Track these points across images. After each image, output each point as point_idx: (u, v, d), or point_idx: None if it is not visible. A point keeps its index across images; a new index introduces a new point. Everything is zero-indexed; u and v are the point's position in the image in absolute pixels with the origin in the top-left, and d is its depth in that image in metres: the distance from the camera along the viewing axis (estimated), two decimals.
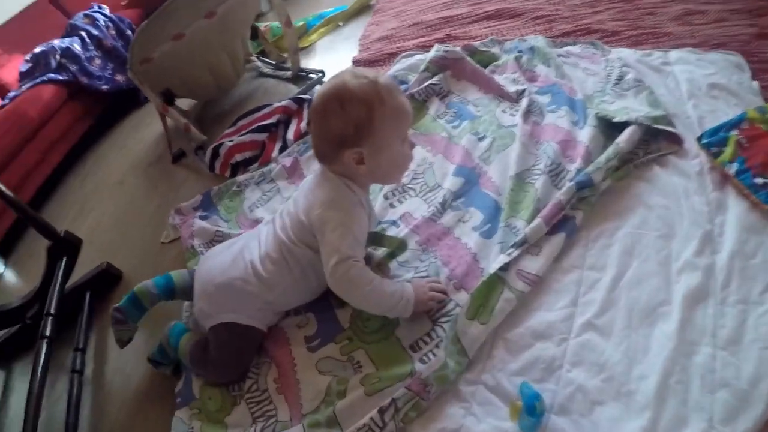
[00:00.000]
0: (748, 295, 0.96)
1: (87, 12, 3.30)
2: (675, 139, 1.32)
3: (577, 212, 1.20)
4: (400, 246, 1.28)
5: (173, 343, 1.26)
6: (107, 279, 1.79)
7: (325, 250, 1.07)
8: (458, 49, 1.85)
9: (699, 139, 1.30)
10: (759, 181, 1.13)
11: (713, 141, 1.27)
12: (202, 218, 1.76)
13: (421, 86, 1.79)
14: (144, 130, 2.97)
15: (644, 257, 1.09)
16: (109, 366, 1.53)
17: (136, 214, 2.18)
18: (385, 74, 1.93)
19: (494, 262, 1.13)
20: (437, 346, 1.05)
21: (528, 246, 1.14)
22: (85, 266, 1.81)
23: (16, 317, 1.71)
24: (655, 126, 1.32)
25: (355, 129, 1.03)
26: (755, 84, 1.48)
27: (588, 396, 0.91)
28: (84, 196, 2.67)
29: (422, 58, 1.96)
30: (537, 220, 1.16)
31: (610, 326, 0.99)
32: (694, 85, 1.49)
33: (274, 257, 1.17)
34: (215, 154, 2.05)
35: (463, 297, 1.10)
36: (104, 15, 3.29)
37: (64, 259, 1.68)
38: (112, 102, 3.27)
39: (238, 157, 1.99)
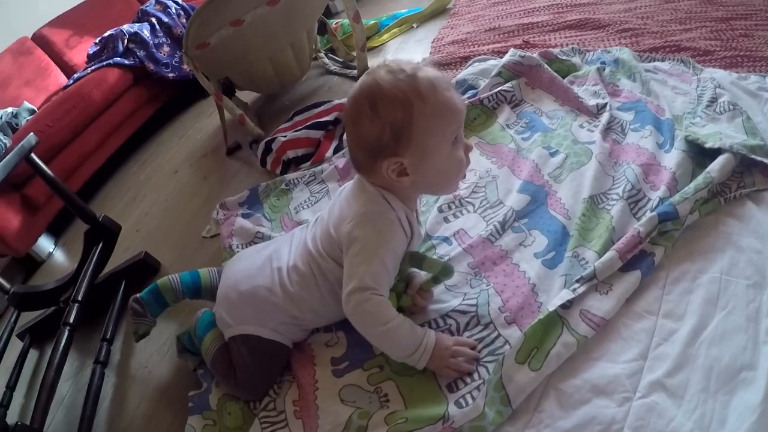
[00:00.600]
0: None
1: None
2: None
3: (657, 248, 1.02)
4: (443, 271, 1.04)
5: (199, 333, 1.16)
6: (144, 269, 1.76)
7: (346, 272, 0.95)
8: (535, 55, 1.70)
9: None
10: None
11: None
12: (245, 216, 1.69)
13: (492, 92, 1.65)
14: (205, 120, 2.97)
15: (730, 309, 0.90)
16: (134, 359, 1.49)
17: (184, 205, 2.16)
18: (429, 66, 1.81)
19: (555, 297, 0.98)
20: (478, 388, 0.91)
21: (597, 282, 0.98)
22: (128, 253, 1.81)
23: (51, 299, 1.69)
24: (752, 156, 1.12)
25: (393, 134, 0.88)
26: None
27: None
28: (140, 182, 2.70)
29: (496, 63, 1.83)
30: (610, 253, 1.00)
31: (683, 388, 0.82)
32: None
33: (301, 269, 1.05)
34: (268, 149, 1.99)
35: (514, 334, 0.96)
36: (176, 3, 3.32)
37: (100, 245, 1.65)
38: (178, 90, 3.29)
39: (291, 154, 1.92)
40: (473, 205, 1.32)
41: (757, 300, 0.90)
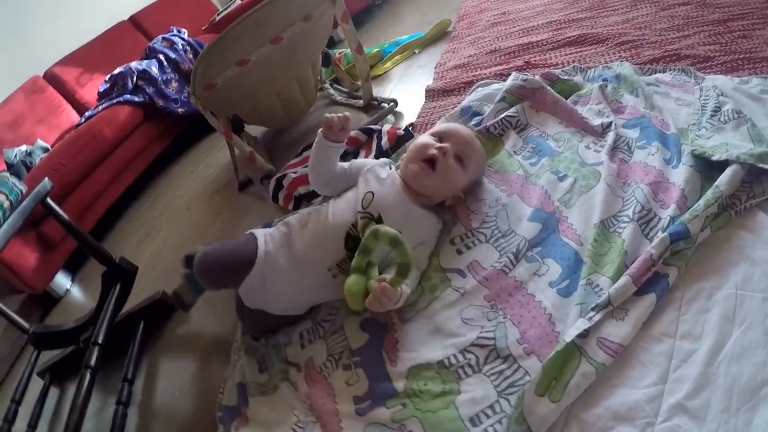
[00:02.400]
0: None
1: (166, 35, 3.41)
2: None
3: (671, 268, 1.03)
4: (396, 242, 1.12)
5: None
6: (162, 309, 1.78)
7: None
8: (537, 77, 1.72)
9: None
10: None
11: None
12: None
13: (497, 119, 1.66)
14: (216, 155, 3.01)
15: (748, 324, 0.90)
16: (156, 399, 1.51)
17: (198, 241, 2.13)
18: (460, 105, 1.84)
19: (572, 326, 0.99)
20: (500, 421, 0.92)
21: (612, 309, 0.99)
22: (145, 292, 1.84)
23: (71, 339, 1.73)
24: (760, 165, 1.12)
25: None
26: None
27: None
28: (152, 219, 2.73)
29: (499, 87, 1.84)
30: (624, 278, 1.01)
31: (704, 410, 0.83)
32: None
33: None
34: (279, 185, 2.01)
35: (534, 365, 0.97)
36: (183, 39, 3.38)
37: (118, 287, 1.67)
38: (188, 125, 3.34)
39: (302, 190, 1.92)
40: (485, 235, 1.31)
41: None
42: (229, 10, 3.63)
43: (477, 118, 1.75)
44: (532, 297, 1.11)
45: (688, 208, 1.11)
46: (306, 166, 1.92)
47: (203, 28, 3.54)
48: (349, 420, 1.06)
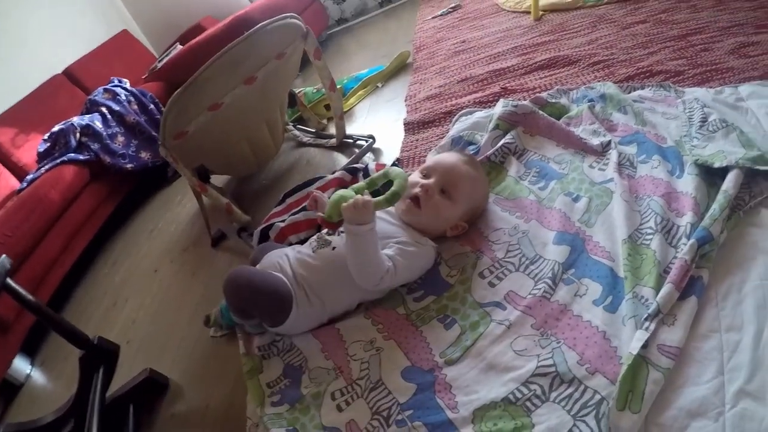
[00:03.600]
0: None
1: (107, 87, 3.41)
2: None
3: (703, 271, 1.19)
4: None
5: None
6: (152, 387, 1.69)
7: None
8: (527, 102, 1.89)
9: None
10: None
11: None
12: None
13: (496, 147, 1.80)
14: (175, 210, 3.00)
15: None
16: None
17: (177, 307, 2.11)
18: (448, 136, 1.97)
19: (628, 339, 1.11)
20: None
21: (662, 316, 1.12)
22: (123, 369, 1.73)
23: None
24: (757, 167, 1.34)
25: None
26: None
27: None
28: (115, 286, 2.63)
29: (485, 115, 2.01)
30: (667, 286, 1.15)
31: (763, 390, 0.98)
32: None
33: None
34: (265, 236, 1.98)
35: (600, 383, 1.08)
36: (125, 89, 3.39)
37: (101, 371, 1.58)
38: (138, 181, 3.33)
39: (293, 239, 1.90)
40: (513, 264, 1.40)
41: None
42: (170, 56, 3.67)
43: (471, 147, 1.89)
44: (580, 318, 1.22)
45: (703, 214, 1.30)
46: (293, 213, 1.98)
47: (144, 76, 3.56)
48: None
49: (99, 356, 1.60)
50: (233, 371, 1.57)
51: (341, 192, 1.39)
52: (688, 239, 1.24)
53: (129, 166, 3.17)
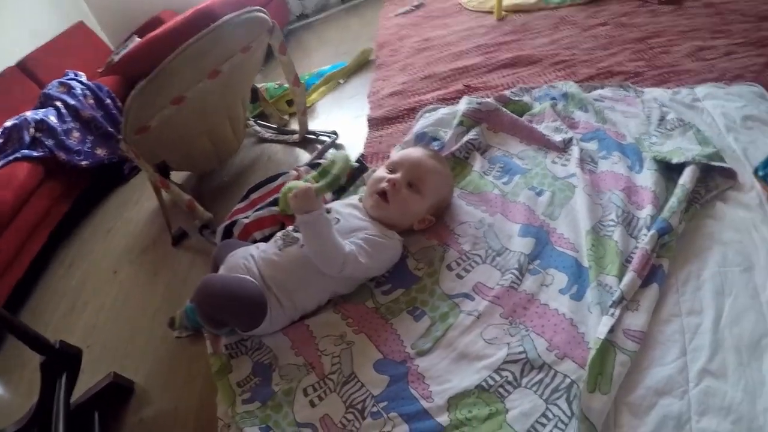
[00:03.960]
0: None
1: (62, 80, 3.31)
2: (730, 174, 1.45)
3: (663, 260, 1.26)
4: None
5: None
6: (116, 393, 1.63)
7: None
8: (491, 100, 1.94)
9: (756, 171, 1.43)
10: None
11: None
12: None
13: (461, 143, 1.85)
14: (132, 209, 2.93)
15: (735, 294, 1.18)
16: None
17: (140, 309, 2.06)
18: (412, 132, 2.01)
19: (595, 325, 1.17)
20: (557, 426, 1.05)
21: (626, 302, 1.19)
22: (86, 375, 1.66)
23: None
24: (713, 163, 1.45)
25: None
26: None
27: None
28: (73, 288, 2.52)
29: (449, 112, 2.05)
30: (630, 274, 1.22)
31: (723, 368, 1.06)
32: (728, 118, 1.66)
33: None
34: (228, 233, 1.95)
35: (569, 367, 1.12)
36: (81, 83, 3.30)
37: (64, 377, 1.52)
38: (94, 179, 3.24)
39: (257, 236, 1.87)
40: (480, 256, 1.45)
41: (752, 281, 1.20)
42: (128, 49, 3.60)
43: (435, 143, 1.93)
44: (547, 306, 1.27)
45: (662, 207, 1.38)
46: (258, 209, 1.96)
47: (100, 70, 3.48)
48: None
49: (61, 361, 1.54)
50: (201, 372, 1.56)
51: (290, 184, 1.42)
52: (649, 230, 1.32)
53: (84, 163, 3.07)
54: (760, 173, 1.42)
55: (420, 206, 1.53)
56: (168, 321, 1.73)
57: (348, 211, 1.52)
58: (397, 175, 1.51)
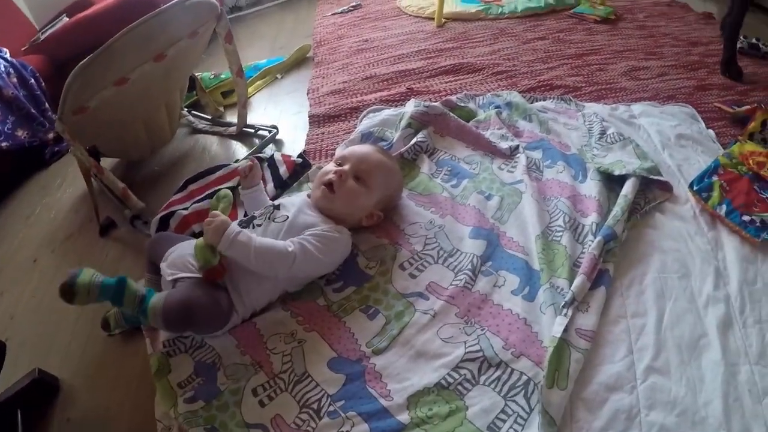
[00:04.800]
0: (760, 316, 1.27)
1: None
2: (666, 187, 1.60)
3: (609, 264, 1.37)
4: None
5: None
6: (41, 390, 1.52)
7: None
8: (438, 104, 1.99)
9: (691, 186, 1.60)
10: (746, 218, 1.48)
11: (702, 187, 1.57)
12: None
13: (408, 145, 1.87)
14: (54, 195, 2.79)
15: (675, 297, 1.32)
16: None
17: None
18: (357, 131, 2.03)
19: (547, 324, 1.24)
20: (516, 421, 1.09)
21: (577, 304, 1.27)
22: (5, 374, 1.52)
23: None
24: (651, 176, 1.58)
25: None
26: (711, 132, 1.86)
27: None
28: None
29: (394, 113, 2.08)
30: (580, 277, 1.30)
31: (667, 366, 1.17)
32: (663, 136, 1.82)
33: None
34: (164, 225, 1.87)
35: (526, 365, 1.18)
36: (4, 59, 3.10)
37: None
38: (13, 162, 3.06)
39: (196, 228, 1.81)
40: (432, 257, 1.47)
41: (689, 286, 1.35)
42: (55, 28, 3.41)
43: (382, 143, 1.93)
44: (501, 307, 1.32)
45: (605, 215, 1.49)
46: (197, 201, 1.91)
47: (24, 48, 3.27)
48: None
49: None
50: (134, 370, 1.48)
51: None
52: (594, 236, 1.42)
53: (4, 144, 2.88)
54: (695, 187, 1.57)
55: (367, 200, 1.53)
56: (101, 323, 1.60)
57: (297, 207, 1.49)
58: (345, 167, 1.52)
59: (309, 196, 1.59)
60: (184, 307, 1.24)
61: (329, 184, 1.49)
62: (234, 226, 1.32)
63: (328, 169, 1.54)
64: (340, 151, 1.74)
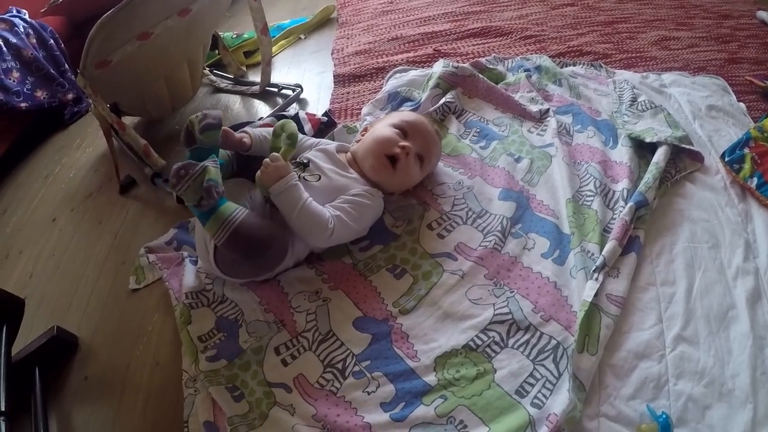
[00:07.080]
0: None
1: (3, 16, 3.08)
2: (697, 157, 1.55)
3: (640, 231, 1.34)
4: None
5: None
6: (59, 348, 1.49)
7: None
8: (467, 65, 1.94)
9: (722, 157, 1.54)
10: None
11: (734, 158, 1.52)
12: (194, 262, 1.53)
13: (437, 105, 1.83)
14: (73, 155, 2.77)
15: (704, 268, 1.28)
16: None
17: (83, 259, 1.90)
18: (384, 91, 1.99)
19: (577, 288, 1.21)
20: (545, 386, 1.07)
21: (608, 269, 1.24)
22: (24, 331, 1.52)
23: None
24: (683, 145, 1.53)
25: None
26: (742, 105, 1.80)
27: (697, 403, 1.04)
28: (7, 236, 2.36)
29: (420, 74, 2.03)
30: (612, 242, 1.27)
31: (696, 336, 1.15)
32: (695, 106, 1.76)
33: None
34: None
35: (555, 329, 1.16)
36: (24, 21, 3.08)
37: (4, 329, 1.36)
38: (32, 122, 3.07)
39: None
40: (460, 217, 1.45)
41: (719, 257, 1.31)
42: None
43: (409, 103, 1.90)
44: (530, 269, 1.29)
45: (636, 182, 1.45)
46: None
47: (43, 9, 3.24)
48: (386, 428, 1.05)
49: (1, 312, 1.39)
50: (156, 329, 1.46)
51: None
52: (625, 203, 1.38)
53: (24, 105, 2.88)
54: (726, 159, 1.52)
55: (417, 179, 1.50)
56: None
57: (328, 165, 1.42)
58: (411, 144, 1.43)
59: (336, 149, 1.53)
60: (266, 233, 1.20)
61: (393, 159, 1.41)
62: (292, 176, 1.27)
63: (390, 138, 1.44)
64: (400, 116, 1.57)
